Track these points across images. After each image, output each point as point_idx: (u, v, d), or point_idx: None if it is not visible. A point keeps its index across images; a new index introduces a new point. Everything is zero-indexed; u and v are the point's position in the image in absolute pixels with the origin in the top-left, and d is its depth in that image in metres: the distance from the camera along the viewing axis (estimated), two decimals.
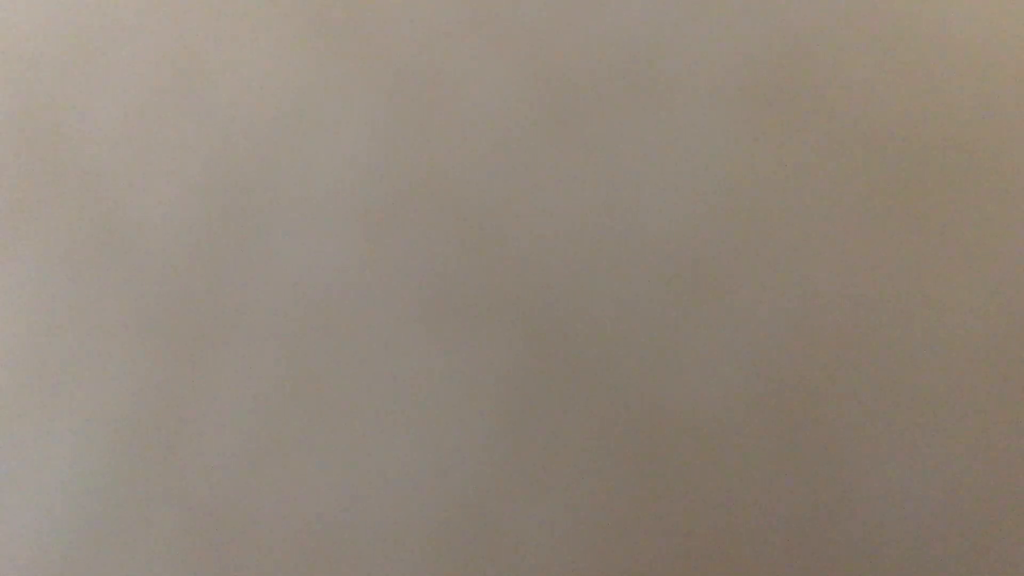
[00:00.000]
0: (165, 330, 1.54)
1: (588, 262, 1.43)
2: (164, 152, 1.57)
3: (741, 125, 1.40)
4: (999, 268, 1.33)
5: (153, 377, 1.54)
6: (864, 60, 1.37)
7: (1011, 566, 1.30)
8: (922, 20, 1.36)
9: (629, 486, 1.40)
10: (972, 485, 1.32)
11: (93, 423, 1.55)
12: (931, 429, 1.33)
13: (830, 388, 1.36)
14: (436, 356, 1.46)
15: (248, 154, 1.54)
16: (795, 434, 1.36)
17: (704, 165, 1.41)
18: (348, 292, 1.49)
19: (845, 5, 1.38)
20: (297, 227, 1.52)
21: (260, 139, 1.54)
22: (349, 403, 1.48)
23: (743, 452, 1.37)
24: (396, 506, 1.46)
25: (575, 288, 1.43)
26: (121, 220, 1.57)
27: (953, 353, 1.33)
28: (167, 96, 1.57)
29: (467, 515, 1.44)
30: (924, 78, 1.36)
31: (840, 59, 1.38)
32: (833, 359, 1.36)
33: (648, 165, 1.42)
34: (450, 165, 1.48)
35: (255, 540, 1.49)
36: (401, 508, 1.46)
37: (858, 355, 1.35)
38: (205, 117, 1.56)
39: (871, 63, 1.37)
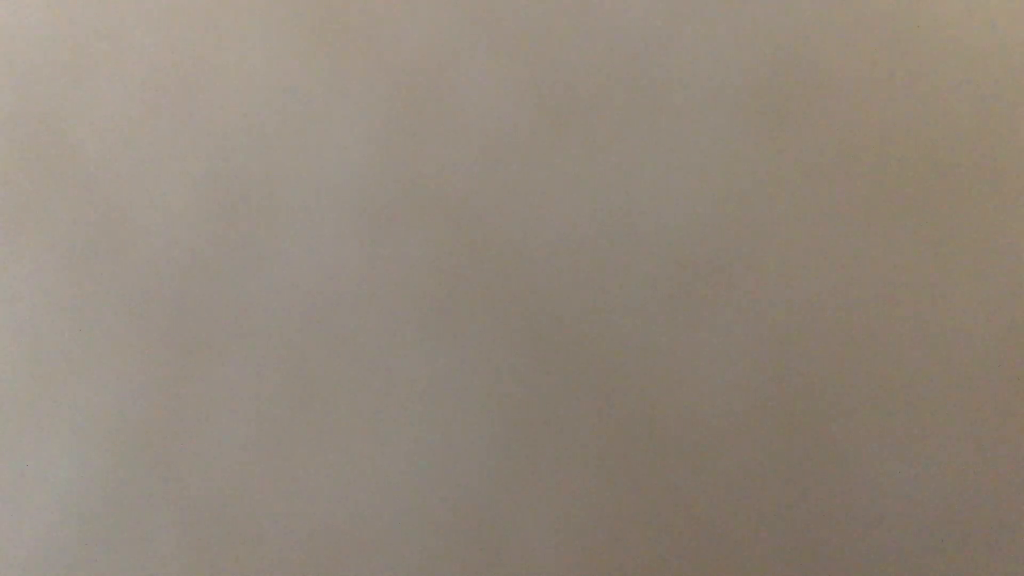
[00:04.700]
0: (165, 330, 1.54)
1: (588, 264, 1.43)
2: (164, 154, 1.57)
3: (741, 128, 1.40)
4: (999, 269, 1.33)
5: (153, 377, 1.54)
6: (863, 62, 1.37)
7: (1011, 566, 1.30)
8: (921, 21, 1.36)
9: (630, 487, 1.40)
10: (972, 485, 1.32)
11: (93, 423, 1.55)
12: (932, 430, 1.33)
13: (831, 389, 1.36)
14: (436, 358, 1.46)
15: (248, 156, 1.54)
16: (796, 434, 1.36)
17: (704, 168, 1.41)
18: (348, 293, 1.49)
19: (844, 8, 1.38)
20: (297, 228, 1.52)
21: (260, 141, 1.54)
22: (349, 404, 1.48)
23: (744, 452, 1.37)
24: (396, 507, 1.46)
25: (575, 290, 1.43)
26: (121, 221, 1.57)
27: (953, 354, 1.33)
28: (167, 98, 1.57)
29: (467, 516, 1.44)
30: (923, 80, 1.36)
31: (839, 61, 1.38)
32: (834, 360, 1.36)
33: (648, 168, 1.42)
34: (450, 167, 1.48)
35: (255, 541, 1.49)
36: (401, 509, 1.46)
37: (859, 356, 1.35)
38: (205, 119, 1.56)
39: (870, 65, 1.37)
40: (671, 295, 1.40)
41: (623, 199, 1.43)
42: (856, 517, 1.34)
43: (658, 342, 1.40)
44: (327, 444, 1.48)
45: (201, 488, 1.51)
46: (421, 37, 1.50)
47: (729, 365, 1.38)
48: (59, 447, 1.56)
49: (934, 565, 1.32)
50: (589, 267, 1.43)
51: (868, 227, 1.36)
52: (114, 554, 1.53)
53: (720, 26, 1.41)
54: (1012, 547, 1.30)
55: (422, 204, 1.48)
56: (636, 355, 1.41)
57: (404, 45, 1.50)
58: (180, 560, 1.51)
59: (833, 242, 1.37)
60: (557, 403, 1.42)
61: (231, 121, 1.55)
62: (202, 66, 1.56)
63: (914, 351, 1.34)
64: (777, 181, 1.39)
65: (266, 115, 1.54)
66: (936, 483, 1.32)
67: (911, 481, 1.33)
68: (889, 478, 1.33)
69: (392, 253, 1.49)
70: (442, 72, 1.49)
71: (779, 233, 1.38)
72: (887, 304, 1.35)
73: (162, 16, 1.58)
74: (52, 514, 1.55)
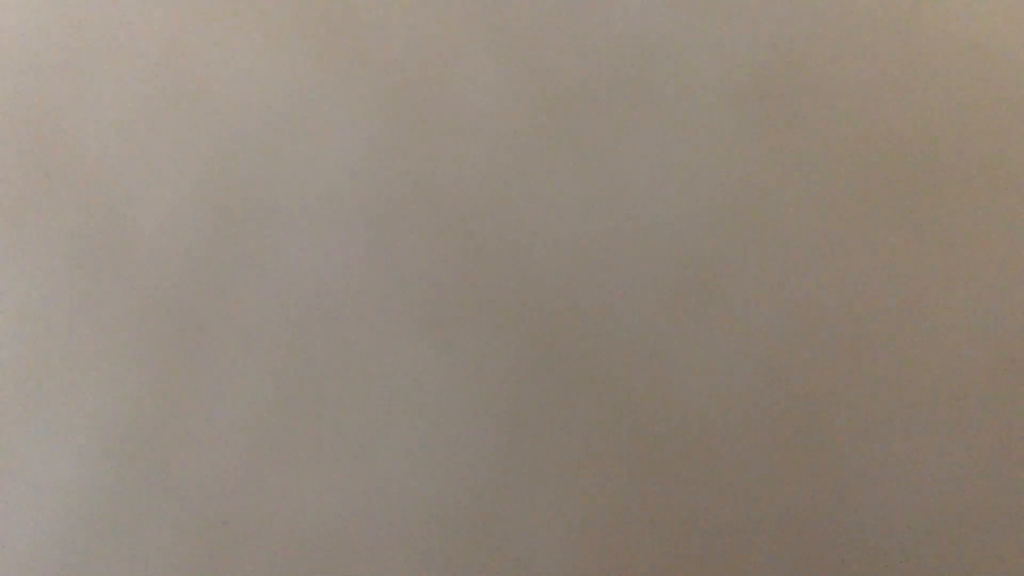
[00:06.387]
0: (165, 331, 1.54)
1: (587, 265, 1.43)
2: (164, 154, 1.57)
3: (739, 128, 1.40)
4: (998, 269, 1.33)
5: (153, 377, 1.54)
6: (860, 62, 1.38)
7: (1011, 566, 1.30)
8: (918, 21, 1.37)
9: (629, 487, 1.40)
10: (971, 486, 1.32)
11: (93, 423, 1.55)
12: (930, 431, 1.33)
13: (829, 389, 1.36)
14: (436, 359, 1.46)
15: (248, 157, 1.54)
16: (794, 435, 1.36)
17: (702, 168, 1.41)
18: (348, 294, 1.50)
19: (840, 7, 1.39)
20: (296, 229, 1.52)
21: (260, 142, 1.54)
22: (349, 405, 1.48)
23: (743, 453, 1.37)
24: (396, 508, 1.46)
25: (574, 291, 1.43)
26: (121, 221, 1.57)
27: (952, 355, 1.33)
28: (167, 98, 1.57)
29: (467, 517, 1.44)
30: (920, 79, 1.36)
31: (836, 61, 1.38)
32: (832, 360, 1.36)
33: (646, 168, 1.43)
34: (449, 168, 1.48)
35: (255, 541, 1.49)
36: (401, 510, 1.46)
37: (857, 357, 1.35)
38: (205, 119, 1.56)
39: (867, 65, 1.38)
40: (671, 295, 1.41)
41: (623, 199, 1.43)
42: (855, 516, 1.34)
43: (659, 341, 1.40)
44: (328, 444, 1.48)
45: (201, 488, 1.51)
46: (421, 37, 1.50)
47: (728, 364, 1.38)
48: (59, 447, 1.55)
49: (933, 564, 1.32)
50: (589, 267, 1.43)
51: (867, 227, 1.36)
52: (114, 554, 1.53)
53: (720, 26, 1.42)
54: (1012, 547, 1.30)
55: (422, 204, 1.48)
56: (637, 354, 1.41)
57: (404, 45, 1.51)
58: (180, 559, 1.51)
59: (832, 242, 1.37)
60: (557, 403, 1.43)
61: (231, 121, 1.55)
62: (202, 66, 1.57)
63: (913, 351, 1.34)
64: (777, 181, 1.39)
65: (266, 115, 1.54)
66: (935, 483, 1.33)
67: (910, 480, 1.33)
68: (887, 478, 1.34)
69: (392, 254, 1.49)
70: (441, 73, 1.49)
71: (778, 233, 1.38)
72: (886, 304, 1.35)
73: (162, 16, 1.59)
74: (52, 514, 1.55)
